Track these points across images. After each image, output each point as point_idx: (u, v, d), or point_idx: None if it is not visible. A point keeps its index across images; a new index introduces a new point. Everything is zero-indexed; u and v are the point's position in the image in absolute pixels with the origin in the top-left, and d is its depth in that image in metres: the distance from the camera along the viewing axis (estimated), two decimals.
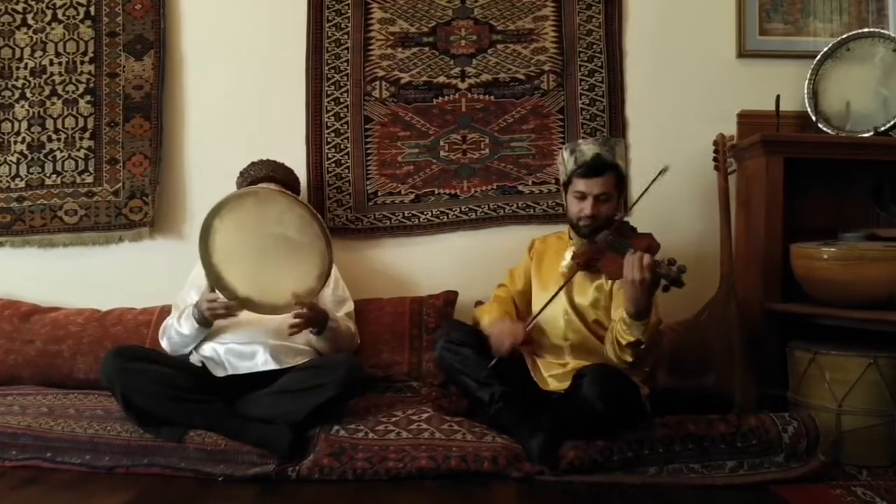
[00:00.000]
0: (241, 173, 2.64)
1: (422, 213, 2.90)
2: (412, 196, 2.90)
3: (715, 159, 2.70)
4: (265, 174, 2.60)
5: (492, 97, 2.90)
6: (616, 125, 2.88)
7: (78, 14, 2.95)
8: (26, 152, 2.95)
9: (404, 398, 2.48)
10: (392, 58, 2.90)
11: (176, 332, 2.38)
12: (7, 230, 2.94)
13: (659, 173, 2.19)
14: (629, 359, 2.09)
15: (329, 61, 2.90)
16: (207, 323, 2.32)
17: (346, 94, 2.90)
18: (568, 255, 2.32)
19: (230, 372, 2.32)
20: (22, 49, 2.96)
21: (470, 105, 2.90)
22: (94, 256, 2.96)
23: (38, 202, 2.94)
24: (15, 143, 2.95)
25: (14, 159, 2.95)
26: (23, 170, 2.95)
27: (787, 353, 2.46)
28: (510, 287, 2.52)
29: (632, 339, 2.03)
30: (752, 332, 2.50)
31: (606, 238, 2.13)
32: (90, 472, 2.08)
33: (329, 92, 2.90)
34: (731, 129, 2.84)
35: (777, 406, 2.39)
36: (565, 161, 2.32)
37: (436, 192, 2.90)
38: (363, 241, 2.92)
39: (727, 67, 2.92)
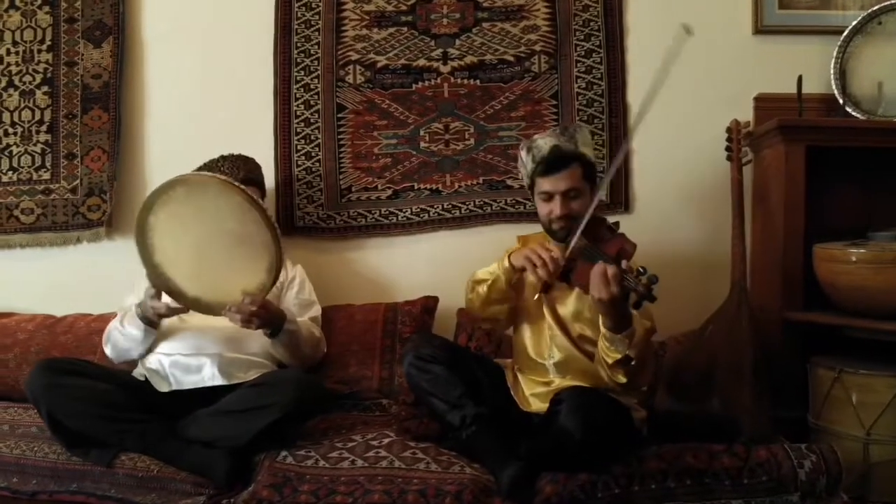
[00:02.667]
0: (207, 167, 2.38)
1: (400, 210, 2.63)
2: (389, 192, 2.63)
3: (728, 148, 2.39)
4: (244, 176, 2.32)
5: (477, 81, 2.61)
6: (616, 111, 2.58)
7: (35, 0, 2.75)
8: None
9: (371, 418, 2.22)
10: (367, 39, 2.63)
11: (120, 335, 2.17)
12: None
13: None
14: (622, 379, 1.81)
15: (298, 44, 2.64)
16: (154, 323, 2.11)
17: (316, 80, 2.63)
18: None
19: (174, 387, 2.09)
20: None
21: (453, 90, 2.61)
22: (52, 258, 2.75)
23: None
24: None
25: None
26: None
27: (808, 371, 2.14)
28: None
29: (618, 355, 1.75)
30: (769, 346, 2.19)
31: (578, 244, 1.84)
32: (12, 497, 1.90)
33: (298, 78, 2.64)
34: (747, 114, 2.52)
35: (797, 432, 2.09)
36: (524, 161, 2.05)
37: (415, 187, 2.63)
38: (336, 242, 2.66)
39: (743, 45, 2.60)
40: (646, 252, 2.54)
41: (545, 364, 2.04)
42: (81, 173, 2.71)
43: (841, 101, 2.43)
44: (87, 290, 2.73)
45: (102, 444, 1.93)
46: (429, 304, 2.49)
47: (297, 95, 2.64)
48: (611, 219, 2.59)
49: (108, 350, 2.23)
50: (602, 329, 1.77)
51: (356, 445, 1.95)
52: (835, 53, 2.46)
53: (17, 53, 2.74)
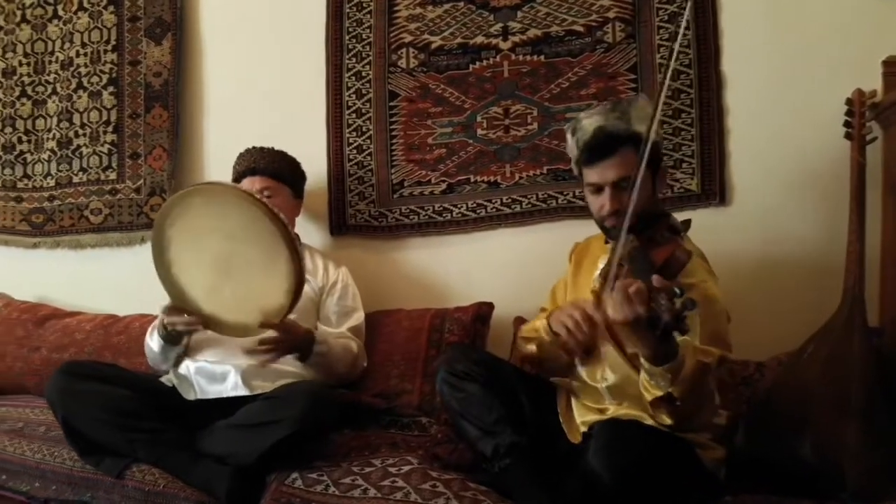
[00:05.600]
0: (236, 160, 2.27)
1: (455, 206, 2.36)
2: (443, 185, 2.37)
3: (847, 124, 1.93)
4: (246, 167, 2.20)
5: (542, 57, 2.29)
6: (707, 84, 2.17)
7: (102, 0, 2.75)
8: (56, 149, 2.81)
9: (404, 438, 1.98)
10: (421, 18, 2.39)
11: (147, 346, 2.11)
12: (40, 231, 2.83)
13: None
14: (667, 420, 1.46)
15: (350, 28, 2.45)
16: (173, 339, 1.99)
17: (368, 67, 2.43)
18: (601, 265, 1.70)
19: (199, 396, 1.98)
20: (53, 42, 2.83)
21: (514, 69, 2.32)
22: (119, 257, 2.76)
23: (67, 201, 2.79)
24: (47, 139, 2.83)
25: (46, 157, 2.83)
26: (53, 167, 2.81)
27: None
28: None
29: (658, 392, 1.40)
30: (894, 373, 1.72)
31: (628, 244, 1.49)
32: (27, 503, 1.86)
33: (350, 65, 2.45)
34: (874, 82, 2.02)
35: None
36: (569, 147, 1.72)
37: (472, 179, 2.35)
38: (387, 241, 2.44)
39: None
40: (746, 252, 2.14)
41: (598, 388, 1.71)
42: (145, 173, 2.69)
43: None
44: (151, 290, 2.67)
45: (115, 453, 1.83)
46: (482, 311, 2.21)
47: (349, 84, 2.45)
48: (703, 213, 2.23)
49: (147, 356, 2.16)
50: (642, 360, 1.42)
51: (373, 471, 1.71)
52: None
53: (85, 55, 2.77)
